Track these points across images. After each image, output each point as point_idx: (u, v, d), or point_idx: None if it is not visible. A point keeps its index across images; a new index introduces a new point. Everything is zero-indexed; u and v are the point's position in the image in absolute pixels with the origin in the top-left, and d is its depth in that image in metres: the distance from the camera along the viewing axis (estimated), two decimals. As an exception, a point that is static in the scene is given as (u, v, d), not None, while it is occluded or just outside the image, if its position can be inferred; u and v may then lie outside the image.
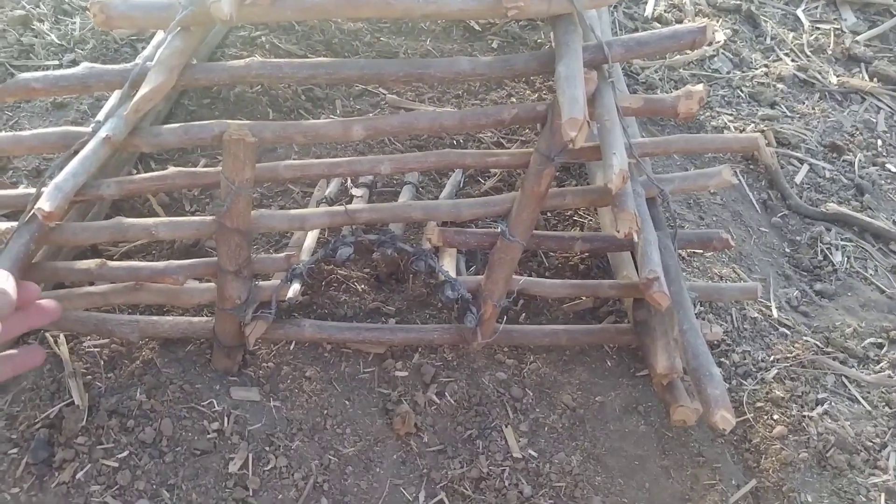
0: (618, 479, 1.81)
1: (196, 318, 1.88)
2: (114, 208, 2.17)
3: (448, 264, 1.87)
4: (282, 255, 1.77)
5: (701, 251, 2.17)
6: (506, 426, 1.85)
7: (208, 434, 1.74)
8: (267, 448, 1.74)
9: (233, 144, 1.55)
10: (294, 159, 2.28)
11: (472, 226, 2.15)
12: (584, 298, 2.02)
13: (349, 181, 2.16)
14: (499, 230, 1.72)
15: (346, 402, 1.86)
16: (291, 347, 1.93)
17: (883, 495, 1.77)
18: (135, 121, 1.57)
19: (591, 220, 2.27)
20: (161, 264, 1.72)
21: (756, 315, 2.15)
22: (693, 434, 1.89)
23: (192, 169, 1.68)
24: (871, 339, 2.14)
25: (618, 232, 1.52)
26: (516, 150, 1.71)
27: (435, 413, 1.86)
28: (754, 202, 2.49)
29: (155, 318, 1.87)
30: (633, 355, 2.02)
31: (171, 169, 1.68)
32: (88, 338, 1.89)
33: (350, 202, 2.10)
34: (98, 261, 1.71)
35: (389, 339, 1.88)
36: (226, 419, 1.76)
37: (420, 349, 1.97)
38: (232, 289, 1.72)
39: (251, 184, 1.63)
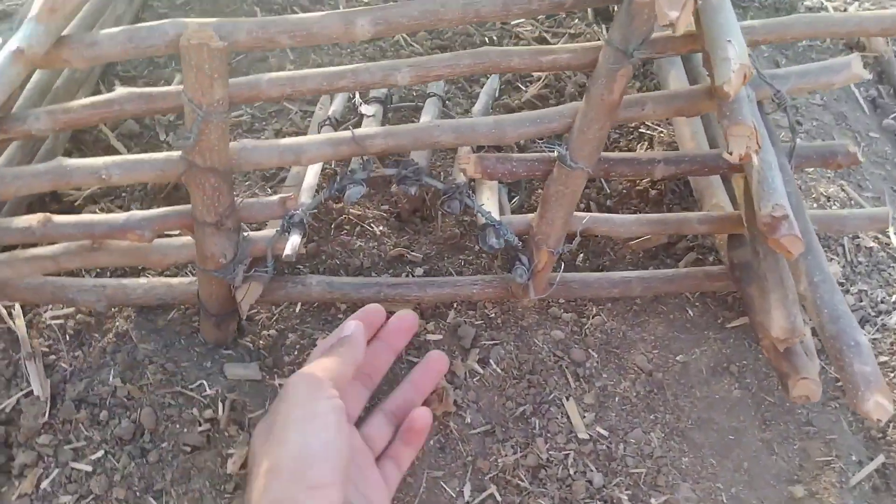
0: (709, 458, 1.46)
1: (177, 280, 1.51)
2: (74, 142, 1.78)
3: (488, 200, 1.46)
4: (275, 197, 1.37)
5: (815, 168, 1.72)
6: (567, 399, 1.49)
7: (200, 425, 1.40)
8: (273, 438, 1.41)
9: (193, 51, 1.13)
10: (290, 69, 1.84)
11: (515, 148, 1.73)
12: (657, 233, 1.60)
13: (357, 97, 1.72)
14: (555, 154, 1.30)
15: (369, 376, 1.50)
16: (297, 310, 1.56)
17: None
18: (57, 26, 1.14)
19: (661, 131, 1.83)
20: (120, 216, 1.34)
21: (872, 244, 1.72)
22: (798, 397, 1.51)
23: (146, 90, 1.26)
24: None
25: (730, 153, 1.09)
26: (580, 45, 1.26)
27: (478, 386, 1.49)
28: (861, 101, 2.01)
29: (126, 280, 1.50)
30: (721, 301, 1.63)
31: (120, 90, 1.27)
32: (50, 307, 1.54)
33: (359, 124, 1.67)
34: (40, 216, 1.33)
35: (418, 296, 1.50)
36: (220, 405, 1.42)
37: (455, 305, 1.59)
38: (213, 245, 1.34)
39: (225, 106, 1.21)
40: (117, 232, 1.33)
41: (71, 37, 1.17)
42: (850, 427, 1.51)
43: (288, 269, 1.60)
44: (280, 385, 1.47)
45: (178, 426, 1.40)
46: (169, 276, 1.55)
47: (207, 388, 1.43)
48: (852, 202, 1.76)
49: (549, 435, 1.44)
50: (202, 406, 1.42)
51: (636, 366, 1.54)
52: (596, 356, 1.55)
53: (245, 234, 1.39)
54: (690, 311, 1.62)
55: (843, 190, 1.78)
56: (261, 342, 1.51)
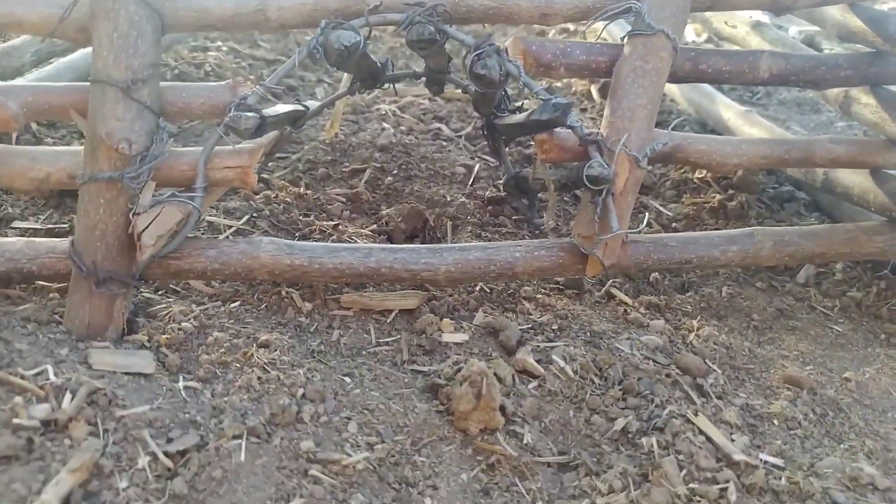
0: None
1: (43, 241, 0.95)
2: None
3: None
4: (222, 84, 0.93)
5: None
6: (694, 414, 0.86)
7: (19, 428, 0.72)
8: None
9: None
10: None
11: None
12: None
13: None
14: (631, 17, 0.95)
15: (346, 380, 0.87)
16: (234, 307, 0.97)
17: None
18: None
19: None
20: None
21: None
22: None
23: None
24: None
25: None
26: None
27: (538, 395, 0.86)
28: None
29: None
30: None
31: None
32: None
33: None
34: None
35: (429, 264, 0.97)
36: (67, 396, 0.75)
37: (485, 301, 1.02)
38: (114, 117, 0.85)
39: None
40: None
41: None
42: None
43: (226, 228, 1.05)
44: (189, 389, 0.81)
45: (-10, 421, 0.71)
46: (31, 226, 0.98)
47: (52, 375, 0.77)
48: None
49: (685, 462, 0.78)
50: (34, 399, 0.75)
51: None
52: (719, 371, 0.95)
53: (163, 125, 0.90)
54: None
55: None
56: (164, 337, 0.89)
